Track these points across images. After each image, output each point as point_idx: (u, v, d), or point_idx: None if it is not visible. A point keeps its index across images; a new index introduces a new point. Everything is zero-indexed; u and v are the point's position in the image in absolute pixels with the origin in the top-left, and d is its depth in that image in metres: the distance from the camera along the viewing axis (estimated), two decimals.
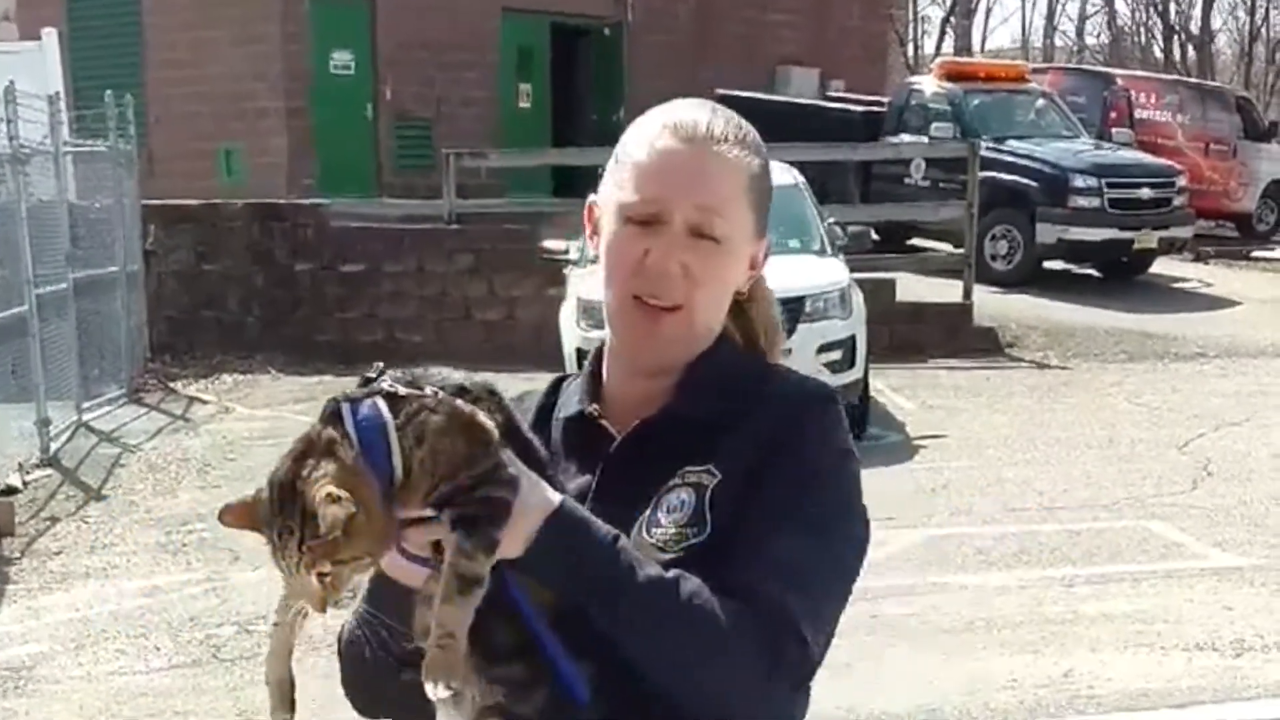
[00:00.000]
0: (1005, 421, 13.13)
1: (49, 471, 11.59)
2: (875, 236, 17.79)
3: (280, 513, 1.77)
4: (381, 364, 1.94)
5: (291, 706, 1.89)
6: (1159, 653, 7.21)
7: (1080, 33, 56.75)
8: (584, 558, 1.83)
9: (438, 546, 1.82)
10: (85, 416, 13.36)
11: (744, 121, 2.16)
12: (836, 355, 12.13)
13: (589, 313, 12.27)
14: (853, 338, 12.28)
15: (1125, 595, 8.15)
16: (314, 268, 17.07)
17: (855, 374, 12.30)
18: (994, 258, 19.50)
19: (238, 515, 1.81)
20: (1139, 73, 33.89)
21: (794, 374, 2.15)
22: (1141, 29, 56.29)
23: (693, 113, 2.10)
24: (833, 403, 2.07)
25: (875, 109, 23.01)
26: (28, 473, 11.34)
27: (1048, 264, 20.02)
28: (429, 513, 1.80)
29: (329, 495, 1.72)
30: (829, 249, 13.19)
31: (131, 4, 23.78)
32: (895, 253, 19.05)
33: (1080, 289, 19.64)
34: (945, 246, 19.62)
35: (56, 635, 7.90)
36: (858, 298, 12.64)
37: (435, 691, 1.78)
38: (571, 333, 12.41)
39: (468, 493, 1.80)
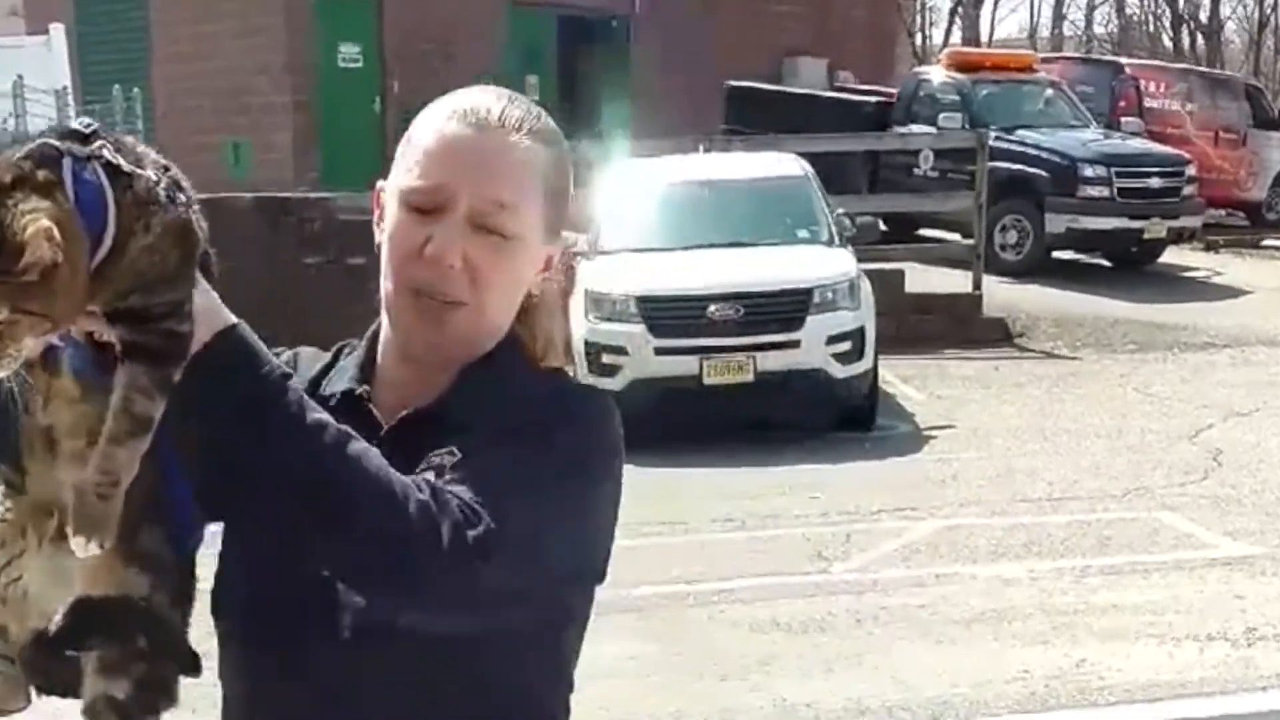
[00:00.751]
0: (1015, 412, 13.11)
1: None
2: (884, 227, 17.77)
3: None
4: (93, 122, 1.71)
5: None
6: (1170, 643, 7.19)
7: (1089, 22, 56.65)
8: (246, 378, 1.68)
9: (100, 349, 1.65)
10: None
11: (544, 113, 2.03)
12: (845, 346, 12.13)
13: (598, 304, 12.29)
14: (862, 329, 12.28)
15: (1136, 586, 8.13)
16: (321, 261, 17.07)
17: (864, 365, 12.30)
18: (1003, 248, 19.46)
19: None
20: (1148, 61, 33.80)
21: (572, 382, 2.08)
22: (1150, 18, 56.22)
23: (485, 99, 1.98)
24: (592, 401, 2.00)
25: (883, 100, 22.97)
26: None
27: (1057, 254, 19.99)
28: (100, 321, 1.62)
29: (45, 230, 1.53)
30: (837, 240, 13.18)
31: None
32: (904, 243, 19.02)
33: (1090, 279, 19.61)
34: (954, 237, 19.60)
35: None
36: (866, 288, 12.63)
37: (85, 548, 1.61)
38: (580, 325, 12.38)
39: (155, 321, 1.63)
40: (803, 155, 14.69)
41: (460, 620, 1.82)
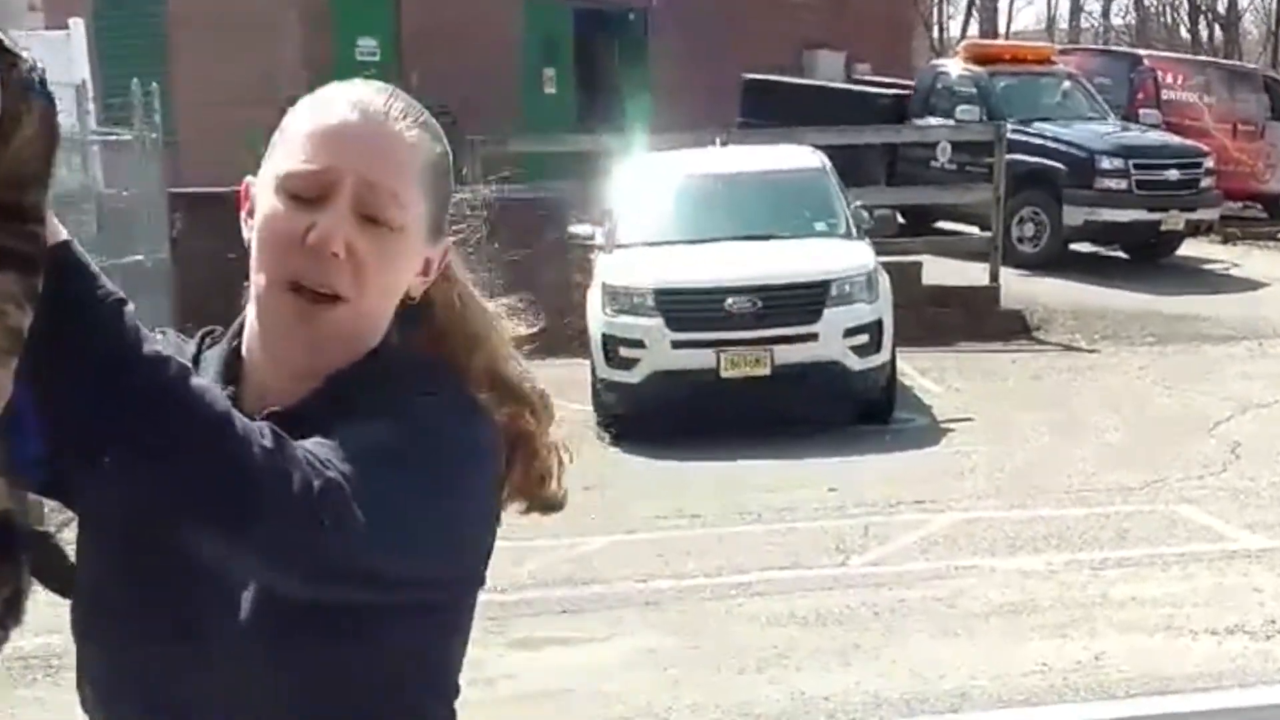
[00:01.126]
0: (1033, 405, 13.09)
1: None
2: (901, 220, 17.73)
3: None
4: None
5: None
6: (1189, 636, 7.18)
7: (1106, 13, 56.51)
8: (90, 289, 1.55)
9: None
10: None
11: (426, 111, 1.95)
12: (863, 339, 12.12)
13: (615, 298, 12.31)
14: (879, 321, 12.27)
15: (1155, 578, 8.12)
16: None
17: (882, 357, 12.29)
18: (1021, 240, 19.42)
19: None
20: (1166, 53, 33.71)
21: (451, 381, 1.92)
22: (1168, 9, 56.06)
23: (371, 91, 1.90)
24: (450, 390, 1.88)
25: (901, 92, 22.93)
26: None
27: (1075, 246, 19.93)
28: None
29: None
30: (855, 232, 13.18)
31: None
32: (921, 236, 18.99)
33: (1108, 271, 19.56)
34: (972, 229, 19.55)
35: None
36: (884, 281, 12.62)
37: None
38: (597, 318, 12.42)
39: (25, 222, 1.49)
40: (820, 148, 14.70)
41: (300, 577, 1.71)
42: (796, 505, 9.79)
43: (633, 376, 12.09)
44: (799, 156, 14.31)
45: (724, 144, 15.45)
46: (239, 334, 1.94)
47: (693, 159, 14.48)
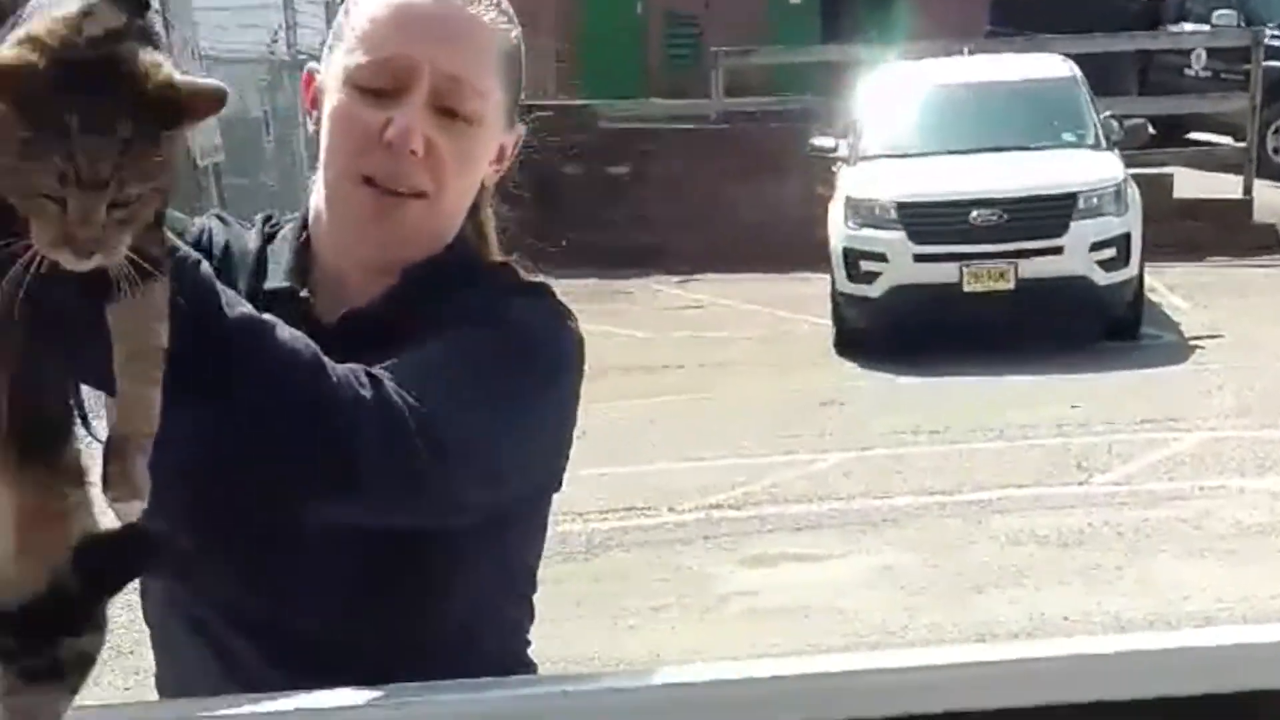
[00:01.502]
0: None
1: None
2: (1152, 130, 17.30)
3: (88, 95, 1.21)
4: None
5: None
6: None
7: None
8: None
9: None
10: None
11: None
12: (1110, 253, 11.90)
13: (857, 211, 12.27)
14: (1127, 235, 12.02)
15: None
16: (581, 170, 17.21)
17: (1130, 272, 12.05)
18: (1276, 151, 18.83)
19: None
20: None
21: (514, 275, 1.85)
22: None
23: None
24: (534, 295, 1.81)
25: None
26: None
27: None
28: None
29: (192, 89, 1.28)
30: (1104, 143, 12.90)
31: None
32: (1173, 147, 18.51)
33: None
34: (1225, 140, 19.00)
35: None
36: (1133, 193, 12.35)
37: (127, 512, 1.30)
38: (838, 231, 12.37)
39: (161, 228, 1.35)
40: (1070, 56, 14.39)
41: (403, 520, 1.67)
42: (1039, 422, 9.67)
43: (873, 290, 12.02)
44: (1048, 65, 14.04)
45: (971, 53, 15.20)
46: (305, 225, 1.85)
47: (939, 69, 14.28)
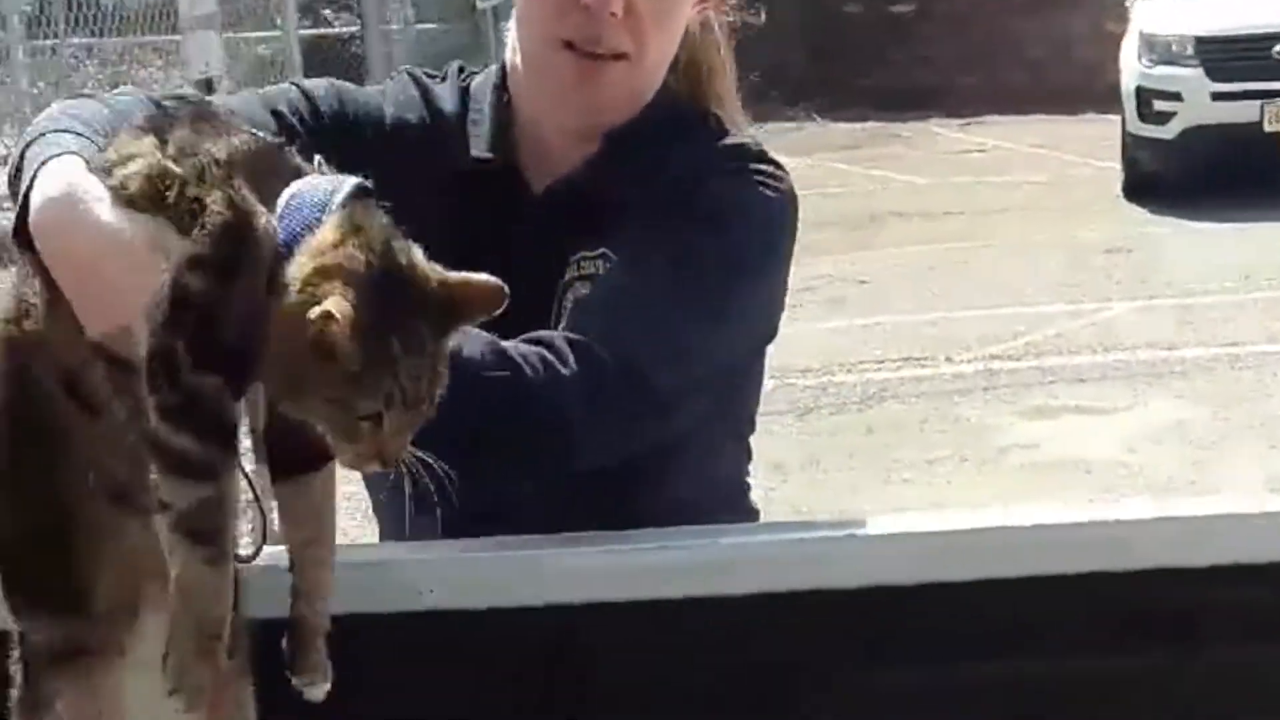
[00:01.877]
0: None
1: None
2: None
3: (401, 316, 1.23)
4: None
5: None
6: None
7: None
8: None
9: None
10: None
11: None
12: None
13: (1151, 46, 11.93)
14: None
15: None
16: (862, 9, 16.94)
17: None
18: None
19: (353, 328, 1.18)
20: None
21: (722, 132, 1.79)
22: None
23: None
24: (743, 159, 1.75)
25: None
26: None
27: None
28: None
29: (464, 285, 1.30)
30: None
31: None
32: None
33: None
34: None
35: None
36: None
37: (315, 693, 1.32)
38: (1131, 69, 12.02)
39: None
40: None
41: (638, 448, 1.66)
42: None
43: (1167, 132, 11.67)
44: None
45: None
46: (503, 83, 1.83)
47: None
